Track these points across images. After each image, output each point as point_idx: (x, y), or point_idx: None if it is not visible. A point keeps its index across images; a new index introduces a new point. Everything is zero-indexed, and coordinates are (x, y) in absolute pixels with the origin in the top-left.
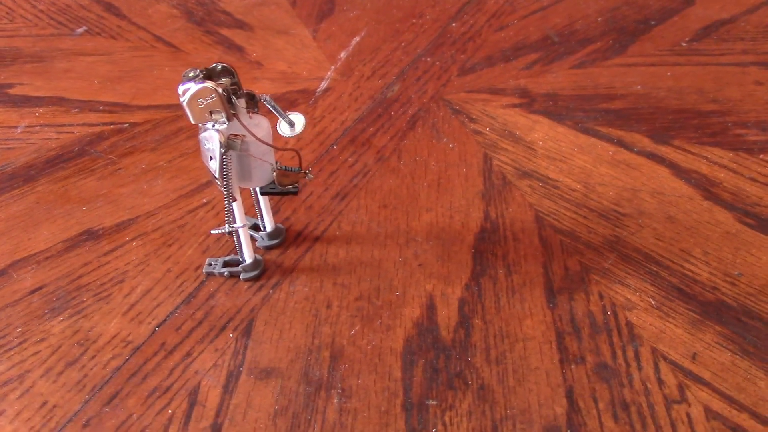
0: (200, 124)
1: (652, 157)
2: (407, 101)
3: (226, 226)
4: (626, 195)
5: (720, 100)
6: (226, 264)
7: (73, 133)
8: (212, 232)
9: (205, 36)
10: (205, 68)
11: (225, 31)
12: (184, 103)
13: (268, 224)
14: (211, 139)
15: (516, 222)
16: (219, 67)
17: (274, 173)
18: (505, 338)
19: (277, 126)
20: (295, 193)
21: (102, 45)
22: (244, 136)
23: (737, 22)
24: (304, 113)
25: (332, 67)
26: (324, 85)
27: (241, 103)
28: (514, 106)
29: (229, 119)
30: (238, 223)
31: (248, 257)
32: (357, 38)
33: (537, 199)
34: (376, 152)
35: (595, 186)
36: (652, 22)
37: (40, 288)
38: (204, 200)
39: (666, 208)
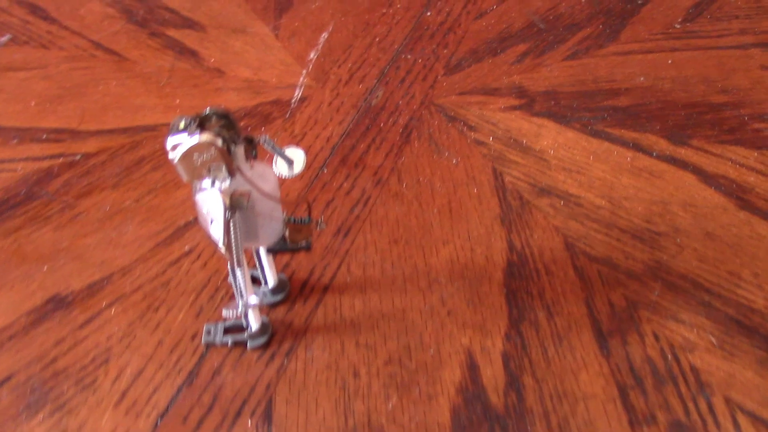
0: (195, 183)
1: (673, 161)
2: (395, 109)
3: (239, 303)
4: (656, 209)
5: (729, 90)
6: (227, 330)
7: (15, 171)
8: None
9: (150, 39)
10: (197, 115)
11: (173, 32)
12: (175, 160)
13: (271, 277)
14: (213, 201)
15: (545, 251)
16: (212, 113)
17: (286, 231)
18: (563, 399)
19: (273, 164)
20: (308, 249)
21: (32, 56)
22: (249, 192)
23: None
24: (283, 130)
25: (304, 71)
26: (298, 93)
27: (239, 152)
28: (514, 108)
29: (231, 175)
30: (252, 299)
31: (255, 323)
32: (325, 34)
33: (562, 221)
34: (373, 174)
35: (621, 201)
36: (639, 1)
37: (8, 378)
38: (186, 247)
39: (702, 223)
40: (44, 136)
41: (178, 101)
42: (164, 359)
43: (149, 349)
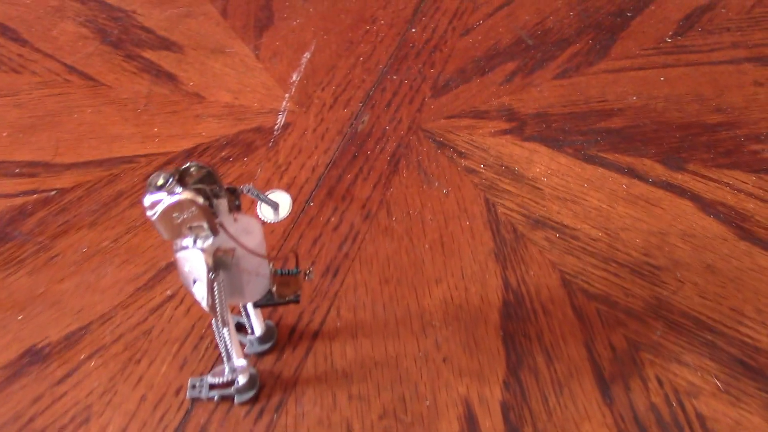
0: (175, 241)
1: (670, 188)
2: (382, 135)
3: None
4: (655, 241)
5: (723, 109)
6: (213, 385)
7: None
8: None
9: (126, 62)
10: (176, 170)
11: (149, 54)
12: (154, 218)
13: (258, 325)
14: (195, 260)
15: (542, 289)
16: (192, 166)
17: (274, 287)
18: None
19: (257, 209)
20: (297, 302)
21: (3, 81)
22: (233, 249)
23: (717, 9)
24: (266, 160)
25: (286, 95)
26: (281, 119)
27: (222, 205)
28: (504, 132)
29: (214, 233)
30: (239, 362)
31: (242, 377)
32: (307, 54)
33: (558, 256)
34: (361, 207)
35: (618, 232)
36: (628, 14)
37: None
38: (168, 292)
39: (702, 255)
40: (17, 170)
41: (156, 129)
42: (147, 417)
43: (132, 406)
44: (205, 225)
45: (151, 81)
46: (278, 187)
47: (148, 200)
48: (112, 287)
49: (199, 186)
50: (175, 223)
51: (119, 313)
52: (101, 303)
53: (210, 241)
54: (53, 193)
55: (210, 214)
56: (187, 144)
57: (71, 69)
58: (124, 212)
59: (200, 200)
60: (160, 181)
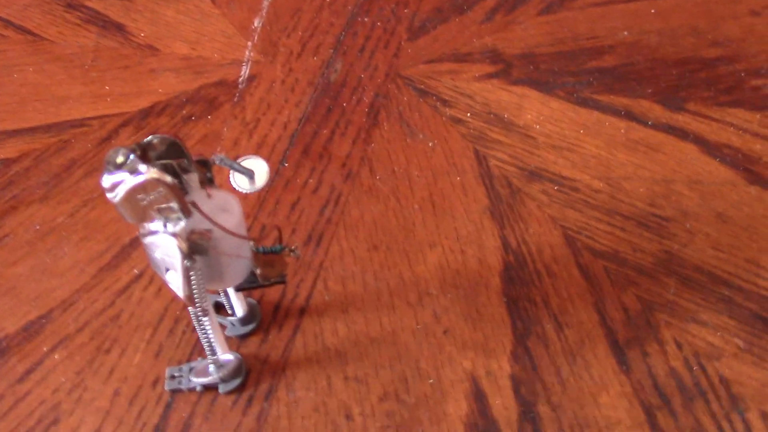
0: (141, 225)
1: (671, 131)
2: (357, 85)
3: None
4: (659, 190)
5: (720, 42)
6: (193, 372)
7: None
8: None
9: (68, 12)
10: (137, 144)
11: (93, 3)
12: (116, 201)
13: (238, 305)
14: (167, 247)
15: (544, 248)
16: (156, 140)
17: (258, 270)
18: (585, 429)
19: (230, 178)
20: (283, 283)
21: None
22: (209, 231)
23: None
24: (233, 117)
25: (249, 44)
26: (245, 71)
27: (193, 180)
28: (490, 76)
29: (187, 214)
30: (226, 356)
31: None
32: None
33: (558, 211)
34: (341, 166)
35: (620, 182)
36: None
37: None
38: (135, 271)
39: (710, 203)
40: None
41: (107, 88)
42: (123, 413)
43: (104, 403)
44: (176, 206)
45: (97, 33)
46: (247, 147)
47: (107, 181)
48: (71, 269)
49: (165, 161)
50: (140, 205)
51: (82, 297)
52: (61, 287)
53: (182, 223)
54: None
55: (180, 193)
56: (143, 103)
57: (6, 23)
58: (78, 183)
59: (168, 179)
60: (120, 159)
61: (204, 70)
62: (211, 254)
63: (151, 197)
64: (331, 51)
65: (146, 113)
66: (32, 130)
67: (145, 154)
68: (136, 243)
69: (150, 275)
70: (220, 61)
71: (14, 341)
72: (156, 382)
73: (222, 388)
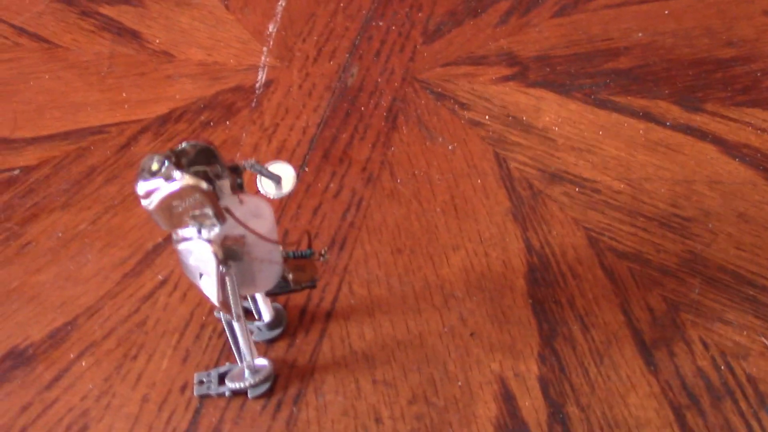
0: (175, 231)
1: (689, 131)
2: (375, 89)
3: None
4: (681, 191)
5: (735, 43)
6: (223, 378)
7: None
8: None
9: (82, 20)
10: (171, 152)
11: (107, 10)
12: (151, 208)
13: (265, 310)
14: (201, 253)
15: (567, 250)
16: (189, 147)
17: (290, 275)
18: (615, 429)
19: (257, 183)
20: (313, 287)
21: None
22: (243, 236)
23: None
24: (251, 123)
25: (264, 49)
26: (262, 76)
27: (225, 186)
28: (506, 79)
29: (221, 220)
30: (261, 361)
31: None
32: (282, 2)
33: (581, 212)
34: (361, 170)
35: (641, 183)
36: None
37: None
38: (160, 276)
39: (732, 203)
40: None
41: (124, 95)
42: (153, 419)
43: (134, 409)
44: (210, 212)
45: (112, 40)
46: (267, 152)
47: (141, 188)
48: (95, 275)
49: (199, 168)
50: (175, 212)
51: (107, 304)
52: (85, 294)
53: (216, 230)
54: (16, 172)
55: (215, 200)
56: (160, 109)
57: (22, 31)
58: (99, 190)
59: (204, 185)
60: (155, 166)
61: (220, 76)
62: (244, 260)
63: (185, 204)
64: (347, 55)
65: (164, 119)
66: (51, 138)
67: (178, 161)
68: (159, 249)
69: (174, 281)
70: (236, 67)
71: (40, 348)
72: (184, 387)
73: (251, 393)
